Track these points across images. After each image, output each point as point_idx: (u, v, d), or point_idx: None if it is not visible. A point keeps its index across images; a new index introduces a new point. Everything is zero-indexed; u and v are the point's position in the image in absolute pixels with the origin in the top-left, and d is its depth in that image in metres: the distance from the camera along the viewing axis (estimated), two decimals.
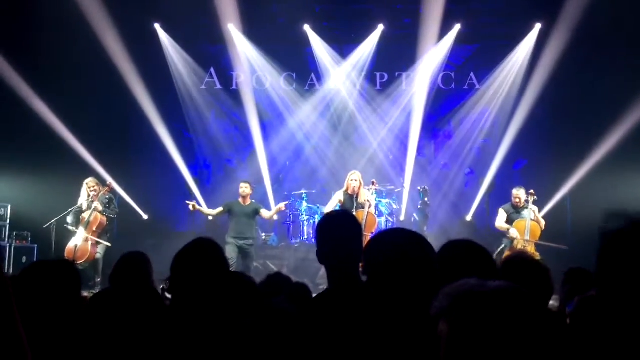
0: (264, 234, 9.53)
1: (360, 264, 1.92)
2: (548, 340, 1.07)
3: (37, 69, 8.60)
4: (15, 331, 0.97)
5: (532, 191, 7.52)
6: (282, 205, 7.95)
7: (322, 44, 10.05)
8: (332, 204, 7.46)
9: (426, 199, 9.19)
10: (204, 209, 7.99)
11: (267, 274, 3.40)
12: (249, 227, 7.72)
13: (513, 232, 7.34)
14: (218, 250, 2.31)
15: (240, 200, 7.75)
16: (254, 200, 7.91)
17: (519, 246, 7.18)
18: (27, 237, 8.16)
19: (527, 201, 7.43)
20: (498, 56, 9.78)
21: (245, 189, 7.72)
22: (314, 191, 9.83)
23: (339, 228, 2.08)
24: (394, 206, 9.35)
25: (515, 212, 7.53)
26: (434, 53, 9.66)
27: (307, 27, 9.87)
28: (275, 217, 9.81)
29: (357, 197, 7.35)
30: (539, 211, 7.65)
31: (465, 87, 10.13)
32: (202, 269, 2.19)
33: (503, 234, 7.54)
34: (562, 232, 8.59)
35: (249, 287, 2.27)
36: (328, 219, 2.18)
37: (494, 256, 6.32)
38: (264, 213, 7.80)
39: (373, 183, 7.68)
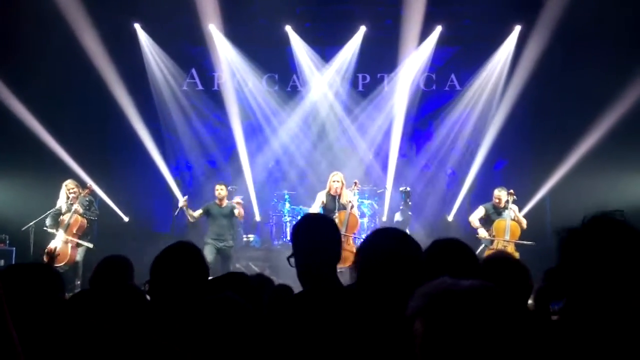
0: (245, 236, 9.49)
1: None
2: (522, 338, 1.08)
3: (14, 68, 8.45)
4: (6, 331, 0.96)
5: (511, 191, 7.61)
6: (238, 200, 8.11)
7: (303, 46, 10.04)
8: (316, 206, 7.47)
9: (408, 200, 9.25)
10: (189, 210, 7.97)
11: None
12: (227, 229, 7.82)
13: (482, 232, 7.42)
14: (198, 253, 2.29)
15: (217, 202, 7.80)
16: (229, 202, 7.95)
17: (499, 246, 7.26)
18: (4, 239, 8.02)
19: (507, 201, 7.51)
20: (478, 58, 9.88)
21: (220, 191, 7.81)
22: (295, 193, 9.82)
23: (315, 231, 2.10)
24: (376, 207, 9.38)
25: (495, 212, 7.60)
26: (415, 55, 9.72)
27: (288, 28, 9.86)
28: (258, 218, 9.82)
29: (339, 198, 7.37)
30: (519, 210, 7.73)
31: (446, 88, 10.21)
32: (182, 272, 2.18)
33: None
34: (542, 232, 8.69)
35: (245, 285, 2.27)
36: (304, 222, 2.20)
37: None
38: (237, 213, 7.82)
39: (355, 184, 7.71)
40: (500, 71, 9.77)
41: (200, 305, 1.87)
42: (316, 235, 2.09)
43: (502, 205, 7.54)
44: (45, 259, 6.78)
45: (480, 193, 9.38)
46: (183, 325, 1.98)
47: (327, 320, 1.74)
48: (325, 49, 10.40)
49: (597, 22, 8.40)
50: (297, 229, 2.15)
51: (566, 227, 1.53)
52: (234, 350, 1.78)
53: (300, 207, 9.47)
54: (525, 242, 7.32)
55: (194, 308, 1.89)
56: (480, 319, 1.07)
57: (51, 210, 7.43)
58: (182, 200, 7.89)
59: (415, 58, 9.76)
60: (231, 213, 7.81)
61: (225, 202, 7.86)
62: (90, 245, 7.36)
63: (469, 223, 7.91)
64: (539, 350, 1.34)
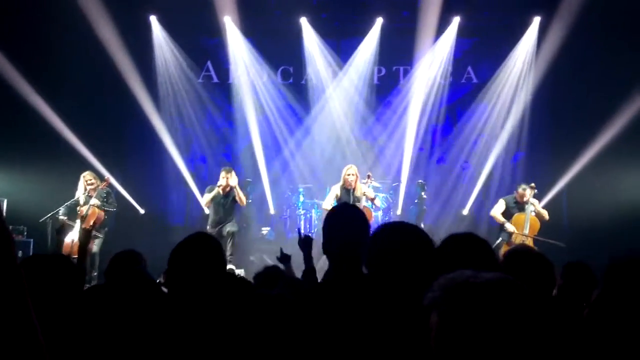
0: (263, 229, 9.50)
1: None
2: (543, 333, 1.06)
3: (31, 61, 8.52)
4: (30, 323, 0.96)
5: (532, 184, 7.47)
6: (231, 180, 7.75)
7: (318, 38, 9.99)
8: (330, 199, 7.46)
9: (423, 193, 9.21)
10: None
11: (263, 267, 3.42)
12: (227, 215, 7.67)
13: (509, 227, 7.29)
14: (217, 245, 2.29)
15: (220, 188, 7.64)
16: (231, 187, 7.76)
17: (517, 240, 7.13)
18: (23, 231, 8.12)
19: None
20: (496, 50, 9.74)
21: (228, 178, 7.59)
22: (310, 186, 9.82)
23: (348, 221, 2.11)
24: (390, 200, 9.35)
25: (515, 206, 7.46)
26: (433, 47, 9.63)
27: (303, 20, 9.80)
28: (272, 211, 9.82)
29: (353, 191, 7.35)
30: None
31: (463, 80, 10.10)
32: (200, 263, 2.18)
33: (500, 228, 7.51)
34: (559, 227, 8.60)
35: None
36: (339, 211, 2.22)
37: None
38: (238, 199, 7.67)
39: (369, 177, 7.67)
40: (518, 63, 9.63)
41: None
42: (349, 225, 2.09)
43: (524, 200, 7.39)
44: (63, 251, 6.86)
45: (496, 186, 9.30)
46: (203, 314, 1.98)
47: (350, 308, 1.74)
48: (341, 41, 10.34)
49: (618, 12, 8.25)
50: (330, 220, 2.15)
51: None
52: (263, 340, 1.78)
53: (315, 200, 9.47)
54: (557, 241, 7.14)
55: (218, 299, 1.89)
56: (498, 312, 1.04)
57: (69, 201, 7.50)
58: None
59: (433, 50, 9.67)
60: (232, 199, 7.66)
61: (227, 189, 7.65)
62: (101, 237, 7.42)
63: (483, 217, 7.85)
64: (563, 345, 1.32)
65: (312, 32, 9.91)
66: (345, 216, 2.15)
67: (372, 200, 7.51)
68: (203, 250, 2.21)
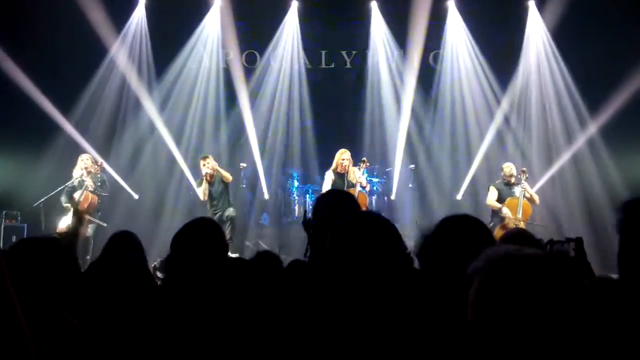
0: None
1: None
2: (575, 311, 1.07)
3: (24, 46, 8.45)
4: (12, 312, 0.95)
5: (524, 169, 7.54)
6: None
7: (314, 21, 9.93)
8: (327, 185, 7.46)
9: (416, 178, 9.24)
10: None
11: (256, 252, 3.42)
12: (220, 197, 7.83)
13: (505, 211, 7.33)
14: (219, 230, 2.30)
15: (206, 178, 7.80)
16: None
17: (510, 225, 7.18)
18: (16, 216, 8.10)
19: (519, 178, 7.44)
20: (488, 35, 9.68)
21: (205, 167, 7.73)
22: (304, 171, 9.82)
23: (337, 207, 2.10)
24: (384, 184, 9.38)
25: (506, 188, 7.51)
26: (424, 31, 9.56)
27: (295, 4, 9.70)
28: (267, 197, 9.82)
29: (347, 176, 7.35)
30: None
31: (457, 65, 10.05)
32: (204, 248, 2.17)
33: (492, 213, 7.56)
34: (552, 212, 8.65)
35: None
36: (326, 196, 2.20)
37: None
38: (224, 178, 7.81)
39: (364, 162, 7.65)
40: (511, 47, 9.57)
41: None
42: (338, 210, 2.08)
43: (514, 180, 7.45)
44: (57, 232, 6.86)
45: (489, 172, 9.31)
46: (205, 300, 1.97)
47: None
48: (337, 25, 10.27)
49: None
50: (319, 204, 2.14)
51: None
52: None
53: (309, 184, 9.47)
54: (542, 224, 7.24)
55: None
56: (537, 284, 1.07)
57: (63, 185, 7.48)
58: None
59: (424, 35, 9.60)
60: (220, 182, 7.79)
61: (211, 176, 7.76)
62: (104, 224, 7.41)
63: (480, 202, 7.88)
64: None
65: (309, 15, 9.87)
66: (335, 202, 2.14)
67: (364, 187, 7.50)
68: (206, 235, 2.20)
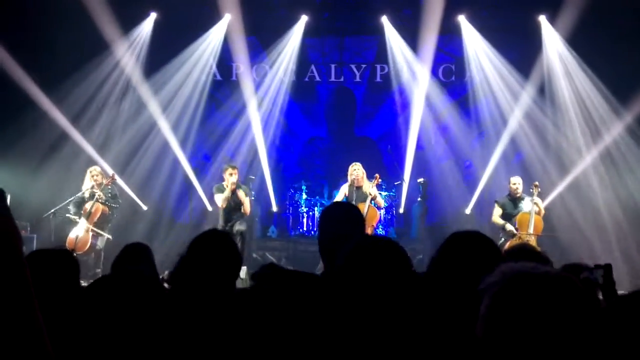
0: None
1: None
2: (585, 333, 1.06)
3: (34, 56, 8.56)
4: (34, 319, 0.96)
5: (536, 183, 7.45)
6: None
7: (321, 36, 10.01)
8: (339, 197, 7.45)
9: (425, 192, 9.22)
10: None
11: (260, 265, 3.40)
12: (235, 212, 7.56)
13: (509, 227, 7.26)
14: (232, 243, 2.24)
15: (227, 186, 7.55)
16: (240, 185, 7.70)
17: (523, 239, 7.07)
18: (26, 227, 8.14)
19: (531, 192, 7.36)
20: (499, 48, 9.68)
21: (234, 175, 7.49)
22: (312, 183, 9.84)
23: (341, 218, 2.09)
24: (394, 198, 9.37)
25: (511, 203, 7.43)
26: (434, 45, 9.59)
27: (304, 18, 9.77)
28: (275, 209, 9.82)
29: (359, 189, 7.34)
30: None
31: (466, 79, 10.07)
32: (219, 261, 2.13)
33: (501, 229, 7.49)
34: (562, 226, 8.59)
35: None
36: (331, 208, 2.20)
37: None
38: (243, 210, 7.61)
39: (376, 178, 7.58)
40: (520, 61, 9.55)
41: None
42: (342, 223, 2.08)
43: (520, 194, 7.38)
44: (67, 246, 6.89)
45: (499, 185, 9.27)
46: (215, 314, 1.96)
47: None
48: (345, 39, 10.36)
49: (621, 11, 8.19)
50: (325, 217, 2.14)
51: None
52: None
53: (317, 197, 9.48)
54: (554, 234, 7.22)
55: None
56: (549, 304, 1.06)
57: (73, 197, 7.51)
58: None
59: (434, 48, 9.63)
60: (237, 196, 7.50)
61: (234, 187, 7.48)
62: (110, 237, 7.40)
63: (487, 216, 7.83)
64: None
65: (317, 29, 9.96)
66: (339, 214, 2.13)
67: (374, 199, 7.46)
68: (222, 247, 2.15)
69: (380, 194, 8.99)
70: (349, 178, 7.40)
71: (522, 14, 9.34)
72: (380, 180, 7.73)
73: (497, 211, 7.51)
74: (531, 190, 7.39)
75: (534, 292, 1.07)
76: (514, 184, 7.44)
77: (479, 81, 9.84)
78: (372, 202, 7.46)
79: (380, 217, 8.52)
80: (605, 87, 8.75)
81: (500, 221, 7.39)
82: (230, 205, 7.52)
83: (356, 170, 7.32)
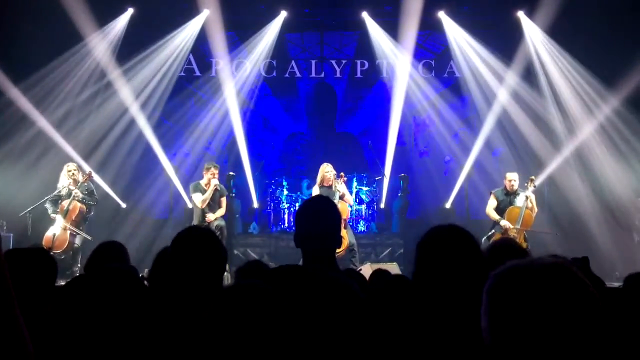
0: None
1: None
2: (593, 321, 1.04)
3: (9, 54, 8.39)
4: (15, 317, 0.95)
5: (532, 177, 7.40)
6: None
7: (302, 31, 9.97)
8: None
9: (406, 187, 9.27)
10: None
11: (246, 261, 3.40)
12: (212, 208, 7.56)
13: (504, 223, 7.16)
14: (216, 240, 2.15)
15: (206, 185, 7.57)
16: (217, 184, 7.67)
17: (511, 233, 7.04)
18: (2, 225, 7.99)
19: (525, 187, 7.30)
20: (480, 42, 9.71)
21: (215, 174, 7.49)
22: (293, 179, 9.83)
23: (317, 212, 2.10)
24: (374, 193, 9.41)
25: (507, 197, 7.36)
26: (413, 41, 9.61)
27: (283, 13, 9.71)
28: (256, 205, 9.79)
29: (330, 187, 7.39)
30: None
31: (445, 75, 10.12)
32: (205, 259, 2.06)
33: (484, 223, 7.52)
34: (541, 220, 8.70)
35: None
36: (307, 203, 2.20)
37: (483, 239, 6.29)
38: (221, 212, 7.65)
39: (341, 176, 7.60)
40: (500, 57, 9.61)
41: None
42: (319, 219, 2.09)
43: (515, 189, 7.38)
44: (44, 245, 6.79)
45: (478, 180, 9.36)
46: (200, 312, 1.93)
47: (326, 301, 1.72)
48: (324, 34, 10.35)
49: (599, 5, 8.28)
50: (301, 212, 2.14)
51: None
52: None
53: (298, 193, 9.48)
54: (544, 231, 7.27)
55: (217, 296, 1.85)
56: (546, 293, 1.03)
57: (50, 195, 7.37)
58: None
59: (414, 44, 9.66)
60: (215, 192, 7.51)
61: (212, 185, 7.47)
62: (89, 237, 7.28)
63: (471, 211, 7.85)
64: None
65: (296, 25, 9.93)
66: (315, 209, 2.15)
67: (342, 197, 7.49)
68: (208, 244, 2.08)
69: (361, 189, 9.07)
70: (320, 178, 7.43)
71: (501, 8, 9.43)
72: (345, 178, 7.74)
73: (492, 203, 7.40)
74: (526, 184, 7.32)
75: (529, 286, 1.05)
76: (510, 180, 7.33)
77: (461, 76, 9.91)
78: (340, 198, 7.47)
79: (360, 211, 8.55)
80: (590, 74, 8.87)
81: (496, 216, 7.28)
82: (210, 203, 7.50)
83: (328, 173, 7.38)
